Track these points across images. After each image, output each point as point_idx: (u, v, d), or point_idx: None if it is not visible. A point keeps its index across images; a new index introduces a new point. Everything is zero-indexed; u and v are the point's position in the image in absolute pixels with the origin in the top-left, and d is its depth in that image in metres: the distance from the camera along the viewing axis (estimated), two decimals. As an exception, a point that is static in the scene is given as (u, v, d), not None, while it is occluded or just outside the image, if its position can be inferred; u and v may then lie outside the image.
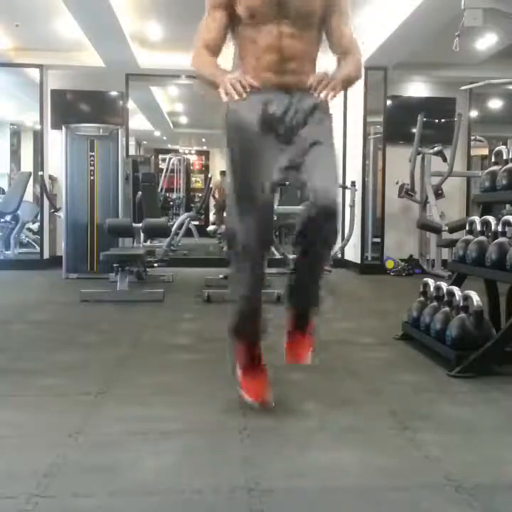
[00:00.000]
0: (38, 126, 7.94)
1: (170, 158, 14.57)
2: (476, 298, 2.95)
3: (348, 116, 8.03)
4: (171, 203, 13.86)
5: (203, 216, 12.92)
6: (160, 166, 15.48)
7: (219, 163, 16.88)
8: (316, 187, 2.16)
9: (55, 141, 7.61)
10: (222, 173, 13.18)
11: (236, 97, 2.05)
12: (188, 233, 9.91)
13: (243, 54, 2.29)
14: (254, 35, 2.23)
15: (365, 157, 7.69)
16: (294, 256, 2.43)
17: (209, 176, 8.80)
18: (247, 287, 2.32)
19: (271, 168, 2.21)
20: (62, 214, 7.06)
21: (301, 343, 2.41)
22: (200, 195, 14.69)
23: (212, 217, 15.45)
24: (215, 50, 2.27)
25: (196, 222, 11.16)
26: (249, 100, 2.09)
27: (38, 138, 8.08)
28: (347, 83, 2.30)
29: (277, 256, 7.78)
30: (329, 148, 2.34)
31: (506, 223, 3.05)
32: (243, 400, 2.32)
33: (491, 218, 3.22)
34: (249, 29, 2.24)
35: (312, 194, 2.15)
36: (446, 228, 6.97)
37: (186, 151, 16.73)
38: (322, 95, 2.11)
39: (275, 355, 3.12)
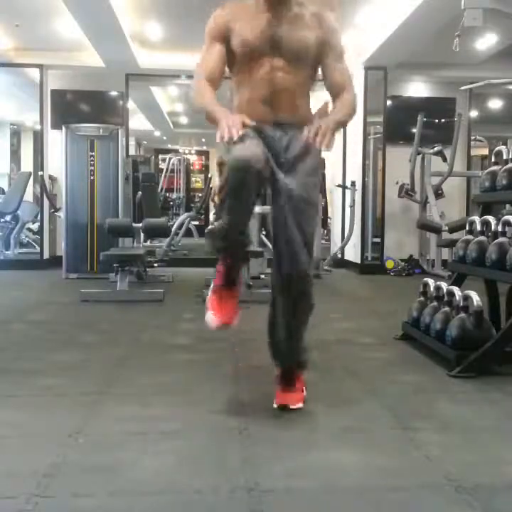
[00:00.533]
0: (38, 126, 7.94)
1: (170, 158, 14.57)
2: (476, 298, 2.95)
3: (348, 116, 8.02)
4: (171, 203, 13.86)
5: (203, 216, 12.92)
6: (160, 166, 15.48)
7: (219, 163, 16.86)
8: (283, 252, 2.25)
9: (55, 141, 7.61)
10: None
11: (230, 141, 2.05)
12: (188, 233, 9.94)
13: (236, 86, 2.36)
14: (248, 68, 2.29)
15: (365, 157, 7.69)
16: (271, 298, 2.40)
17: (209, 176, 8.80)
18: (233, 213, 2.20)
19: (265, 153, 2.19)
20: (62, 214, 7.06)
21: (291, 396, 2.37)
22: (200, 195, 14.68)
23: (212, 217, 15.43)
24: (214, 82, 2.30)
25: (196, 222, 11.17)
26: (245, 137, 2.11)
27: (38, 138, 8.08)
28: (343, 125, 2.38)
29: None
30: (312, 209, 2.36)
31: (506, 223, 3.05)
32: (207, 324, 2.26)
33: (491, 218, 3.22)
34: (243, 61, 2.30)
35: (280, 259, 2.26)
36: (446, 228, 6.97)
37: (186, 151, 16.73)
38: (319, 146, 2.17)
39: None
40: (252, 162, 2.09)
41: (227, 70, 2.38)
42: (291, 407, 2.31)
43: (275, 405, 2.33)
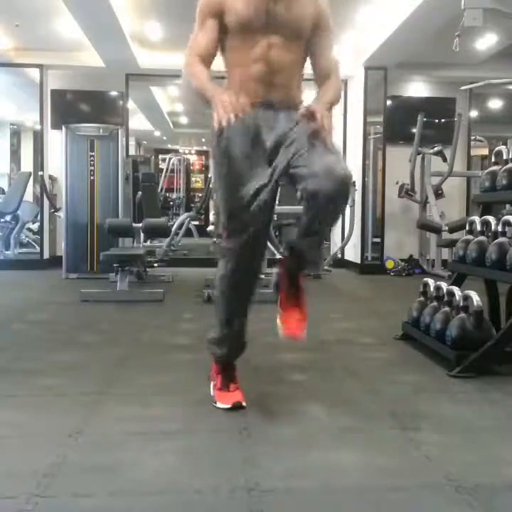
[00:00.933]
0: (38, 126, 7.94)
1: (170, 158, 14.57)
2: (476, 298, 2.95)
3: (348, 116, 8.03)
4: (171, 203, 13.86)
5: (202, 216, 12.91)
6: (160, 166, 15.48)
7: (219, 163, 16.85)
8: (317, 166, 2.05)
9: (55, 141, 7.61)
10: None
11: (225, 122, 2.00)
12: (188, 233, 9.91)
13: (229, 64, 2.29)
14: (242, 46, 2.21)
15: (365, 157, 7.69)
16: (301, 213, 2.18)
17: (209, 175, 8.79)
18: (230, 311, 2.35)
19: (260, 185, 2.14)
20: (62, 214, 7.06)
21: (294, 312, 2.25)
22: (200, 195, 14.68)
23: (212, 217, 15.43)
24: (207, 60, 2.23)
25: (196, 222, 11.16)
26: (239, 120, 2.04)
27: (38, 138, 8.08)
28: (329, 109, 2.27)
29: (278, 256, 7.79)
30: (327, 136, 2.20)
31: (506, 223, 3.05)
32: (216, 405, 2.35)
33: (491, 218, 3.22)
34: (236, 39, 2.22)
35: (315, 172, 2.04)
36: (446, 228, 6.97)
37: (186, 151, 16.73)
38: (318, 131, 2.10)
39: (276, 356, 3.13)
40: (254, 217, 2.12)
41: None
42: (297, 336, 2.22)
43: (283, 334, 2.23)
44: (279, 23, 2.17)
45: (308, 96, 2.34)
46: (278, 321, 2.26)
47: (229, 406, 2.31)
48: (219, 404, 2.35)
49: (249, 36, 2.19)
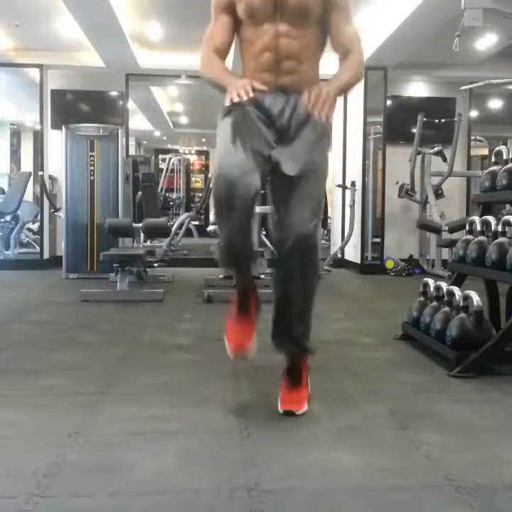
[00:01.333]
0: (38, 126, 7.94)
1: (170, 158, 14.58)
2: (476, 298, 2.95)
3: (348, 116, 8.03)
4: (171, 203, 13.87)
5: (202, 216, 12.90)
6: (160, 166, 15.49)
7: (219, 163, 16.84)
8: (292, 219, 2.15)
9: (55, 141, 7.61)
10: None
11: (237, 99, 2.05)
12: (188, 233, 9.92)
13: (243, 55, 2.32)
14: (253, 36, 2.25)
15: (365, 157, 7.69)
16: (273, 286, 2.35)
17: (209, 175, 8.80)
18: (229, 233, 2.14)
19: (260, 148, 2.14)
20: (62, 214, 7.06)
21: (296, 394, 2.31)
22: (200, 195, 14.68)
23: (212, 217, 15.44)
24: (222, 53, 2.30)
25: (196, 222, 11.15)
26: (244, 104, 2.10)
27: (38, 138, 8.08)
28: (347, 89, 2.32)
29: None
30: (318, 175, 2.25)
31: (506, 223, 3.05)
32: (227, 353, 2.28)
33: (491, 218, 3.22)
34: (248, 30, 2.27)
35: (288, 227, 2.16)
36: (446, 228, 6.97)
37: (186, 151, 16.74)
38: (319, 117, 2.09)
39: (276, 356, 3.12)
40: (239, 180, 2.01)
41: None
42: (297, 413, 2.23)
43: (281, 410, 2.25)
44: (286, 11, 2.20)
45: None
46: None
47: (231, 355, 2.25)
48: (226, 344, 2.27)
49: (259, 26, 2.23)
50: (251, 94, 2.06)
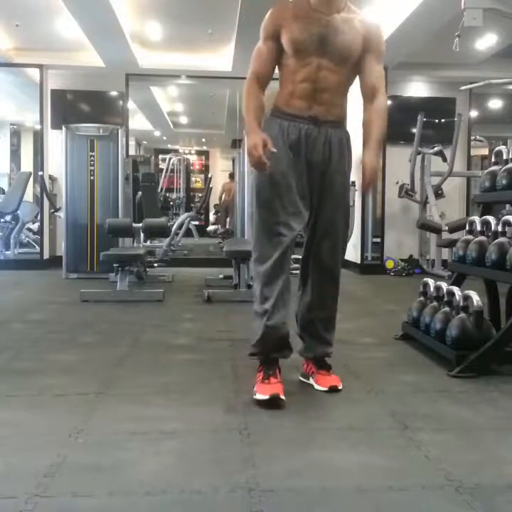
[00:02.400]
0: (38, 126, 7.94)
1: (170, 158, 14.58)
2: (476, 298, 2.95)
3: (348, 117, 8.01)
4: (171, 203, 13.87)
5: (203, 216, 12.92)
6: (160, 166, 15.50)
7: (219, 163, 16.88)
8: (324, 262, 2.57)
9: (55, 141, 7.61)
10: (231, 175, 13.05)
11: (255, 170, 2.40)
12: (188, 233, 9.95)
13: (283, 82, 2.50)
14: (295, 66, 2.43)
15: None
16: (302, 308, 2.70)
17: (209, 175, 8.80)
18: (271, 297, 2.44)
19: (296, 208, 2.45)
20: (62, 214, 7.06)
21: (333, 376, 2.64)
22: (200, 195, 14.69)
23: (212, 217, 15.47)
24: (264, 80, 2.49)
25: (196, 222, 11.17)
26: (282, 131, 2.43)
27: (38, 138, 8.08)
28: (378, 152, 2.70)
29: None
30: (345, 228, 2.64)
31: (506, 223, 3.05)
32: (255, 399, 2.39)
33: (491, 218, 3.22)
34: (291, 59, 2.44)
35: (312, 271, 2.59)
36: (446, 228, 6.97)
37: (186, 151, 16.74)
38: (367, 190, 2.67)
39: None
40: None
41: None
42: (339, 387, 2.57)
43: (324, 388, 2.56)
44: (330, 48, 2.39)
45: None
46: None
47: (267, 397, 2.34)
48: (258, 396, 2.38)
49: (302, 56, 2.41)
50: (265, 165, 2.33)
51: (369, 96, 2.53)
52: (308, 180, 2.47)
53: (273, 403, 2.32)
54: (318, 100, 2.43)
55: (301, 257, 2.66)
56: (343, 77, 2.46)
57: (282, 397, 2.35)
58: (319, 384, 2.60)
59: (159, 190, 11.92)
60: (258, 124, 2.41)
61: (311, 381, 2.65)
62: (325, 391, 2.55)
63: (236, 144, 12.36)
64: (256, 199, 2.47)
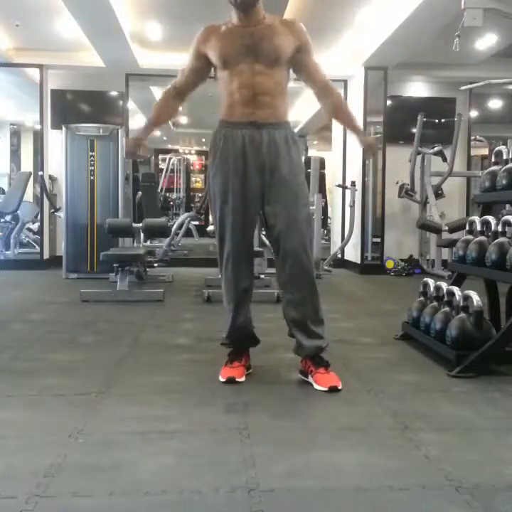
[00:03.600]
0: (38, 126, 7.93)
1: (170, 158, 14.58)
2: (476, 298, 2.95)
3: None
4: (171, 203, 13.87)
5: (203, 216, 12.90)
6: (160, 166, 15.49)
7: (219, 163, 16.85)
8: (287, 250, 2.61)
9: (55, 141, 7.61)
10: None
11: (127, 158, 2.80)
12: (188, 233, 9.94)
13: (223, 94, 2.66)
14: (229, 76, 2.60)
15: (365, 157, 7.68)
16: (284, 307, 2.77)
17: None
18: (232, 301, 2.76)
19: (248, 210, 2.64)
20: (62, 214, 7.06)
21: (332, 375, 2.66)
22: (200, 195, 14.69)
23: (212, 218, 15.45)
24: (179, 91, 2.78)
25: (196, 222, 11.16)
26: (227, 141, 2.62)
27: (38, 138, 8.07)
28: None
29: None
30: (300, 196, 2.66)
31: (506, 223, 3.05)
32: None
33: (491, 218, 3.22)
34: (224, 72, 2.62)
35: (284, 257, 2.63)
36: (446, 228, 6.97)
37: (186, 151, 16.73)
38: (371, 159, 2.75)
39: (275, 356, 3.12)
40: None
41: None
42: (339, 387, 2.57)
43: (324, 388, 2.56)
44: (258, 53, 2.55)
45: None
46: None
47: (223, 380, 2.64)
48: (220, 379, 2.67)
49: (233, 66, 2.58)
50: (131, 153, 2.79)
51: (323, 89, 2.73)
52: (260, 182, 2.62)
53: (230, 383, 2.62)
54: (258, 105, 2.57)
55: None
56: (278, 79, 2.60)
57: (238, 379, 2.65)
58: (319, 384, 2.60)
59: (159, 190, 11.92)
60: (152, 122, 2.83)
61: (310, 380, 2.65)
62: (325, 391, 2.55)
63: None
64: (212, 207, 2.76)
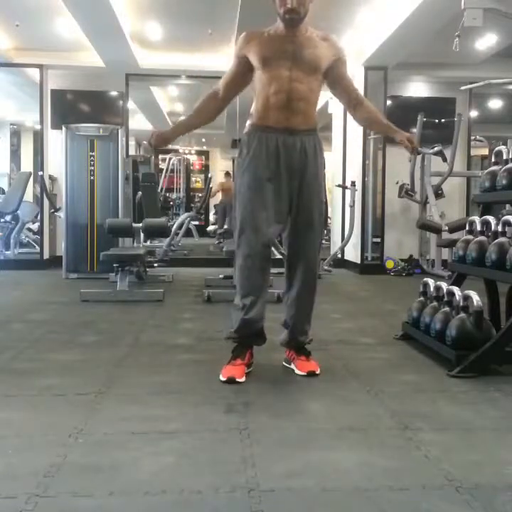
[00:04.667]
0: (38, 126, 7.94)
1: (170, 158, 14.57)
2: (476, 298, 2.95)
3: (349, 117, 8.02)
4: (171, 203, 13.86)
5: (202, 216, 12.90)
6: (160, 166, 15.48)
7: (219, 163, 16.87)
8: (301, 263, 2.78)
9: (55, 141, 7.61)
10: (227, 173, 13.18)
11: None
12: (188, 233, 9.94)
13: (258, 96, 2.72)
14: (267, 79, 2.66)
15: (365, 157, 7.69)
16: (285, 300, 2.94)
17: (209, 175, 8.79)
18: (249, 295, 2.74)
19: (272, 214, 2.71)
20: (62, 214, 7.06)
21: (312, 361, 2.86)
22: (200, 195, 14.68)
23: (212, 217, 15.47)
24: (221, 95, 2.82)
25: (196, 222, 11.17)
26: (261, 142, 2.68)
27: (38, 138, 8.07)
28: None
29: (277, 256, 7.78)
30: (320, 199, 2.82)
31: (506, 223, 3.05)
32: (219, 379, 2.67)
33: (491, 218, 3.22)
34: (263, 75, 2.68)
35: (297, 268, 2.79)
36: (446, 228, 6.97)
37: (186, 151, 16.72)
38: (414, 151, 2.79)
39: (275, 356, 3.12)
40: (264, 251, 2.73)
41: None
42: (316, 372, 2.79)
43: (303, 373, 2.78)
44: (298, 61, 2.63)
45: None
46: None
47: (224, 379, 2.66)
48: (220, 377, 2.69)
49: (272, 70, 2.64)
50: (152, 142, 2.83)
51: (354, 100, 2.83)
52: (289, 185, 2.71)
53: (230, 382, 2.64)
54: (292, 111, 2.65)
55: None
56: (314, 87, 2.70)
57: (239, 379, 2.65)
58: (299, 369, 2.82)
59: (159, 190, 11.91)
60: (186, 124, 2.95)
61: (292, 366, 2.88)
62: (303, 376, 2.77)
63: (236, 143, 12.35)
64: (237, 200, 2.76)
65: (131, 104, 9.22)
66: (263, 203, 2.68)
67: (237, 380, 2.65)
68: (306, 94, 2.67)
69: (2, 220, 8.45)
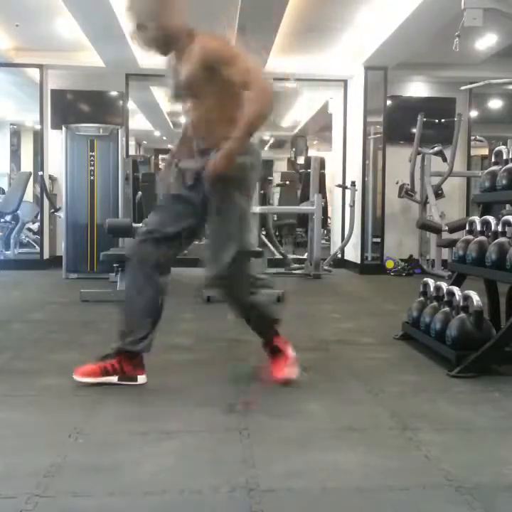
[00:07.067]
0: (38, 126, 7.94)
1: (170, 158, 14.54)
2: (476, 298, 2.95)
3: (348, 116, 8.03)
4: (171, 203, 13.83)
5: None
6: (160, 166, 15.46)
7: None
8: (209, 258, 2.81)
9: (55, 141, 7.61)
10: None
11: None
12: (188, 233, 9.92)
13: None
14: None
15: (365, 157, 7.69)
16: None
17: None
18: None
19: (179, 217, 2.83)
20: (62, 214, 7.06)
21: (279, 362, 2.66)
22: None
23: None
24: None
25: (196, 222, 11.14)
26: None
27: (38, 138, 8.07)
28: (250, 131, 2.48)
29: (277, 256, 7.78)
30: (229, 213, 2.66)
31: (506, 223, 3.05)
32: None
33: (491, 218, 3.22)
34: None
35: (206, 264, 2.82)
36: (446, 228, 6.97)
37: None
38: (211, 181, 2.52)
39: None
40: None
41: None
42: (293, 378, 2.60)
43: (276, 378, 2.60)
44: (182, 89, 2.56)
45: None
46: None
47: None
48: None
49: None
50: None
51: (246, 96, 2.53)
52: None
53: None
54: (197, 135, 2.60)
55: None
56: (206, 106, 2.53)
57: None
58: (274, 374, 2.66)
59: (159, 190, 11.87)
60: None
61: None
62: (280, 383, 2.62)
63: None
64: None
65: (131, 104, 9.21)
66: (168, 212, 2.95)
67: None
68: (202, 117, 2.60)
69: (2, 220, 8.45)
